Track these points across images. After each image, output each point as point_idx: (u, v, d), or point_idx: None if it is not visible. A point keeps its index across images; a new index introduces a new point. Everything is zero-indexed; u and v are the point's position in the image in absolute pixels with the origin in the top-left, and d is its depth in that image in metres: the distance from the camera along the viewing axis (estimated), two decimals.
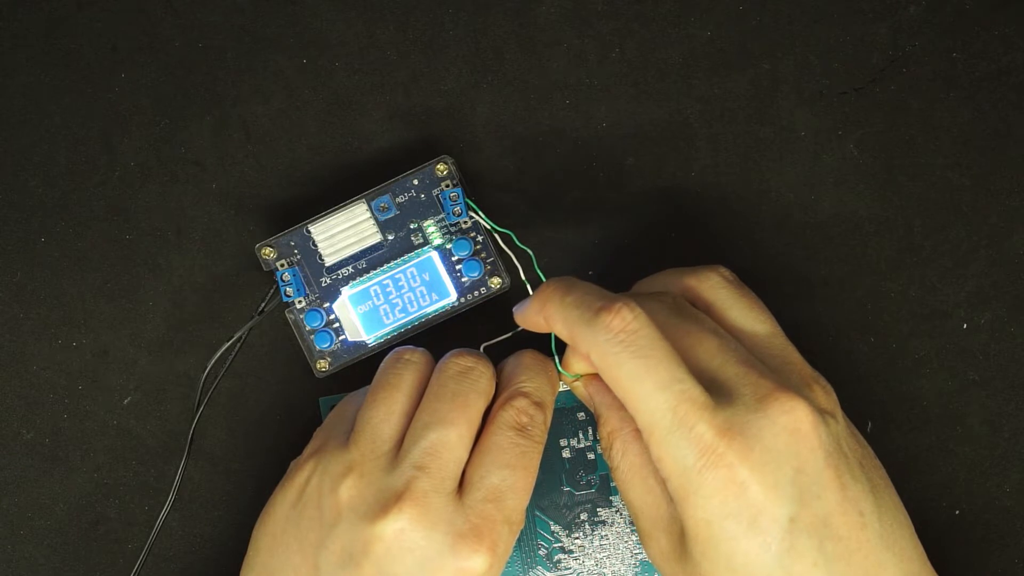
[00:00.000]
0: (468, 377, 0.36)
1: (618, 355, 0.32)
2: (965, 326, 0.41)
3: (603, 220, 0.42)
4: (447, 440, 0.34)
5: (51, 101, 0.42)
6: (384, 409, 0.36)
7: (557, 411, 0.40)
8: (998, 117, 0.41)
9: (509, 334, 0.39)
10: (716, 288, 0.36)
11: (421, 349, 0.37)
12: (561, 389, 0.39)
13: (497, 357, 0.37)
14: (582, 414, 0.40)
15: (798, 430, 0.32)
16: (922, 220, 0.41)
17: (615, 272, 0.41)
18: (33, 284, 0.42)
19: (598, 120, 0.42)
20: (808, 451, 0.32)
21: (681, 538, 0.33)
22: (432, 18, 0.42)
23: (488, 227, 0.40)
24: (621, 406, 0.35)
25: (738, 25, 0.42)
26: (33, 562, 0.41)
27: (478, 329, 0.41)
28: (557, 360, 0.37)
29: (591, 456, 0.40)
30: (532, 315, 0.35)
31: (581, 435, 0.40)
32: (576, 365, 0.37)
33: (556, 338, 0.36)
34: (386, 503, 0.33)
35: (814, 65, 0.42)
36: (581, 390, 0.38)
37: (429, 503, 0.33)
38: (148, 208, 0.42)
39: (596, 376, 0.36)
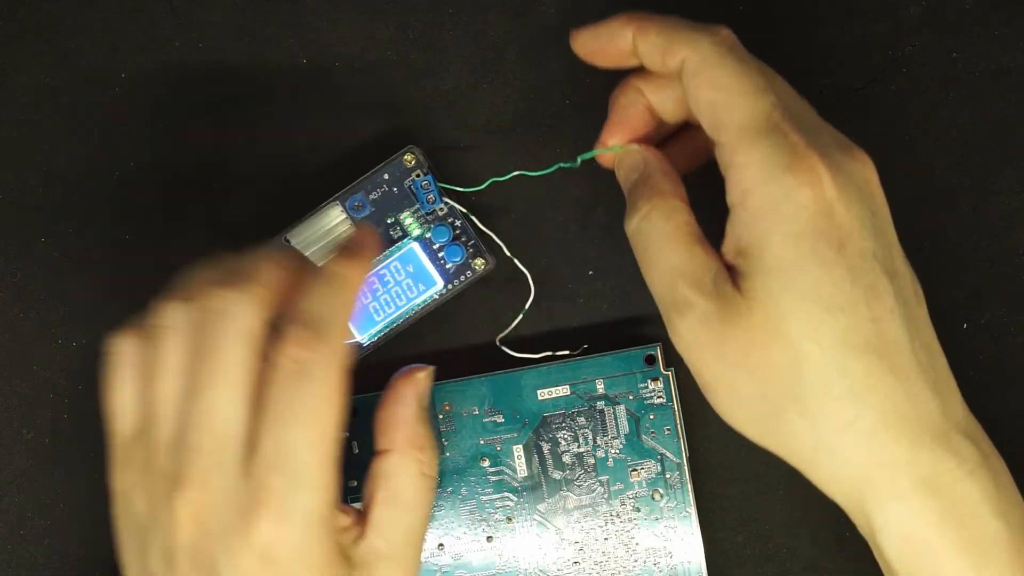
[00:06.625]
0: (216, 325, 0.29)
1: (723, 55, 0.32)
2: (965, 326, 0.41)
3: (603, 220, 0.42)
4: (212, 406, 0.29)
5: (51, 101, 0.42)
6: (131, 393, 0.31)
7: (555, 413, 0.40)
8: (998, 117, 0.41)
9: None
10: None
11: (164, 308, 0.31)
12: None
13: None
14: (581, 419, 0.40)
15: (870, 181, 0.31)
16: (922, 220, 0.41)
17: (616, 272, 0.41)
18: (33, 284, 0.42)
19: (598, 120, 0.42)
20: (880, 203, 0.31)
21: (729, 295, 0.31)
22: (432, 18, 0.42)
23: (463, 211, 0.40)
24: (673, 173, 0.34)
25: (738, 25, 0.42)
26: (33, 562, 0.41)
27: (474, 311, 0.41)
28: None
29: (590, 460, 0.40)
30: (615, 29, 0.34)
31: (581, 439, 0.40)
32: (612, 139, 0.36)
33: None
34: (169, 493, 0.30)
35: (814, 65, 0.42)
36: (628, 159, 0.35)
37: (212, 484, 0.29)
38: (148, 208, 0.42)
39: (640, 147, 0.35)
